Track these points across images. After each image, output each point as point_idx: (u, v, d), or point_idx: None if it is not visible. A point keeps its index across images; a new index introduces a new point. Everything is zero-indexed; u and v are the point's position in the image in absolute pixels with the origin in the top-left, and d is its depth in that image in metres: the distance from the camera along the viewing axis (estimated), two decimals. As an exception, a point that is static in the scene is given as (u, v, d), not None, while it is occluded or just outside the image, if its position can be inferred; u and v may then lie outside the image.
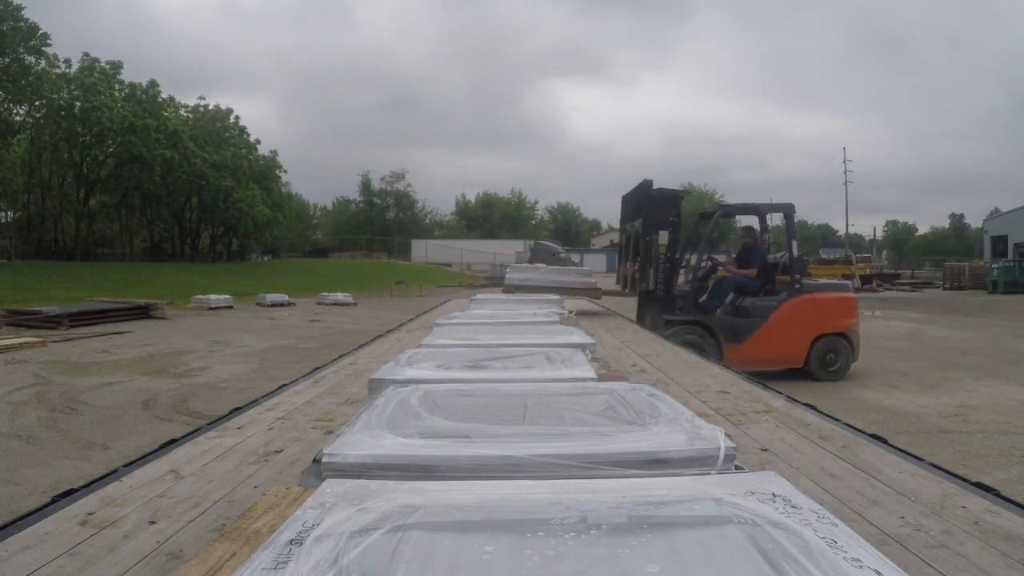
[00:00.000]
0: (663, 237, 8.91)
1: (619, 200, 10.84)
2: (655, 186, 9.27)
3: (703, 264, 9.38)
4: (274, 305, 21.22)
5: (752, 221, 9.47)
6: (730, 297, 8.93)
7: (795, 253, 8.67)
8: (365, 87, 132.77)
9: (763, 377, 4.74)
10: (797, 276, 8.64)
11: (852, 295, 9.20)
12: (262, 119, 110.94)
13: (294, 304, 21.84)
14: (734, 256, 9.79)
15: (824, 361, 8.74)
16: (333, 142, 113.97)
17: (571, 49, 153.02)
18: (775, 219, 9.84)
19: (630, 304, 10.24)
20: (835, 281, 10.37)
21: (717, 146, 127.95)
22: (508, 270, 7.84)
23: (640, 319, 9.21)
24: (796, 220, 9.02)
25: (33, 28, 26.20)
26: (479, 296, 8.36)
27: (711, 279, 9.24)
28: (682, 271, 9.52)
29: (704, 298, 8.97)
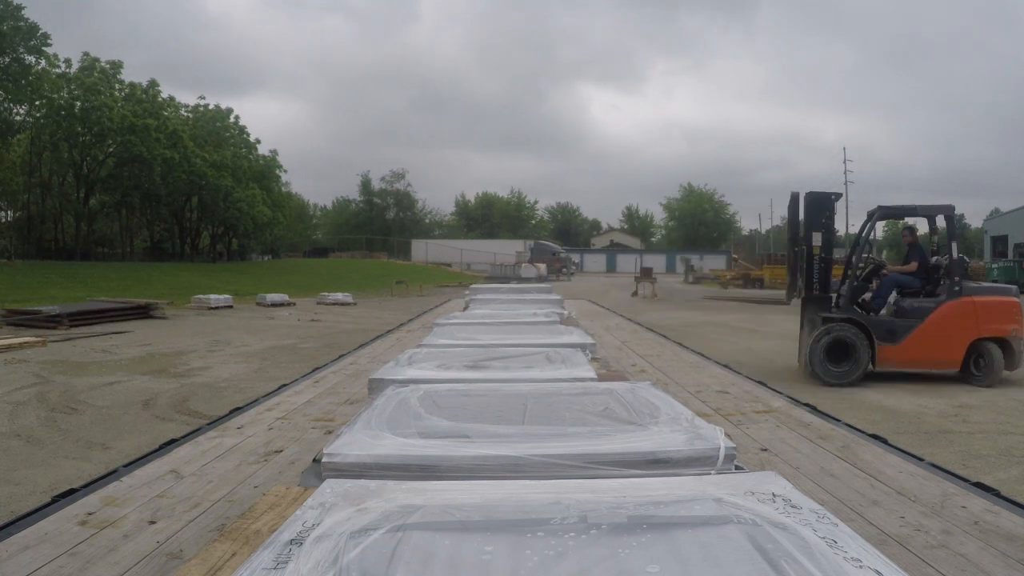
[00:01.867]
0: (817, 239, 8.88)
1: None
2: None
3: (862, 264, 9.27)
4: (274, 305, 21.21)
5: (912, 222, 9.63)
6: (892, 297, 8.88)
7: (955, 255, 8.50)
8: (389, 87, 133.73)
9: (764, 377, 4.75)
10: (956, 278, 8.46)
11: (1015, 299, 8.77)
12: (283, 117, 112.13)
13: (294, 304, 21.84)
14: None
15: (978, 366, 8.52)
16: (356, 141, 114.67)
17: (597, 54, 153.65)
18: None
19: (627, 305, 10.23)
20: (998, 284, 9.95)
21: (740, 149, 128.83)
22: (467, 291, 7.98)
23: (801, 319, 9.25)
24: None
25: (33, 28, 26.19)
26: (474, 285, 8.48)
27: (875, 280, 9.18)
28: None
29: (869, 298, 8.96)
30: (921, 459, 2.40)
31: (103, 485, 2.09)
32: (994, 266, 33.17)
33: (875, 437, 2.72)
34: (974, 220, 79.59)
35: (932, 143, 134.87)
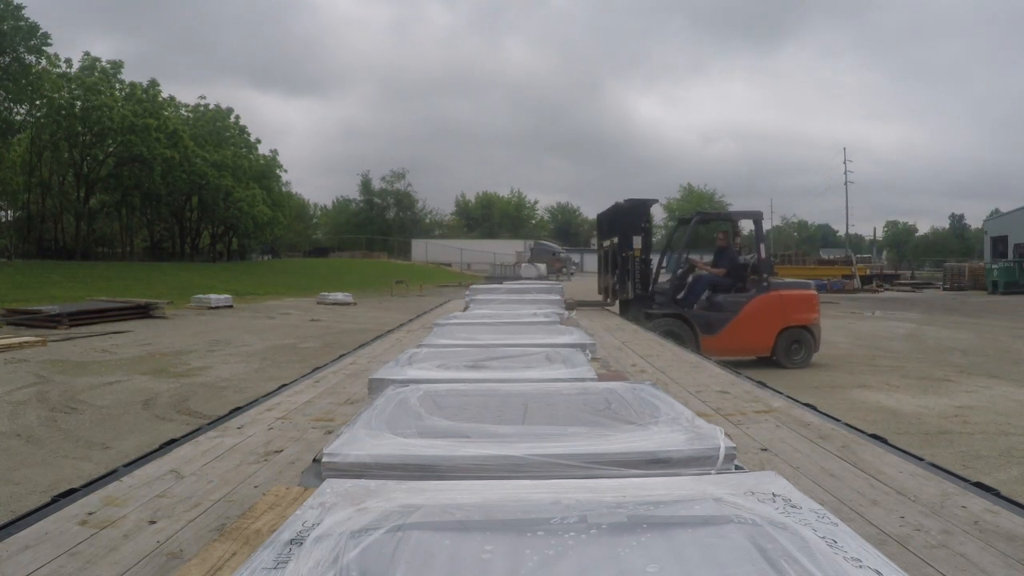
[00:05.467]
0: (636, 242, 9.85)
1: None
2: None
3: (682, 265, 10.35)
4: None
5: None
6: (705, 294, 9.91)
7: (763, 255, 9.72)
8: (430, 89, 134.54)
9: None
10: (764, 275, 9.63)
11: (814, 292, 10.15)
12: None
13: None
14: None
15: (789, 351, 9.71)
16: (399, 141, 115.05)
17: (636, 57, 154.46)
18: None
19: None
20: (799, 280, 11.28)
21: (753, 154, 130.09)
22: (467, 292, 8.58)
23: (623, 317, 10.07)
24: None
25: (33, 28, 26.20)
26: (474, 286, 8.69)
27: (689, 278, 10.20)
28: (662, 271, 10.54)
29: (682, 295, 9.95)
30: (921, 459, 2.40)
31: (103, 485, 2.09)
32: (994, 266, 33.17)
33: (875, 437, 2.72)
34: (974, 221, 79.83)
35: (940, 148, 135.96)
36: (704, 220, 11.21)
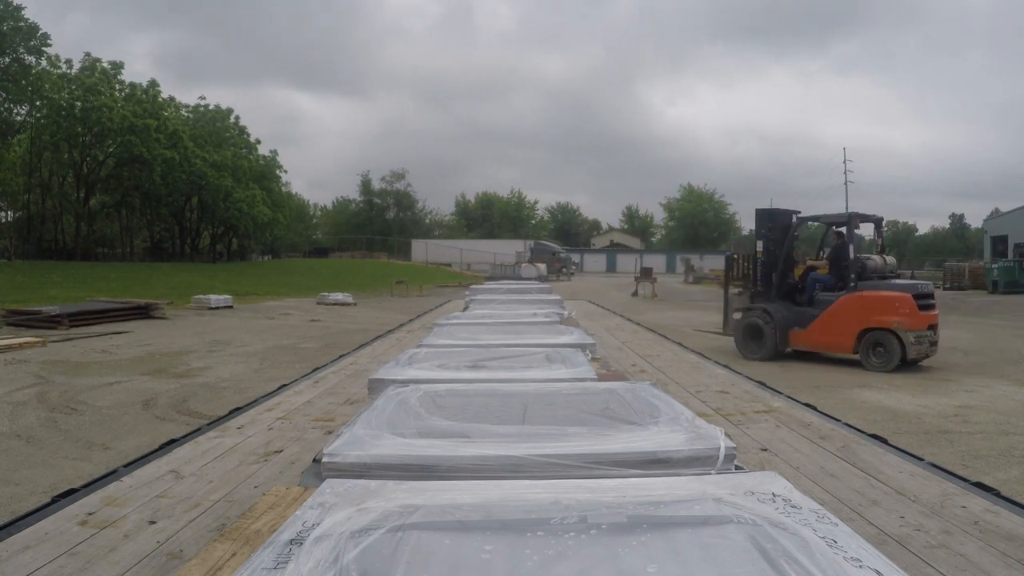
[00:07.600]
0: (759, 245, 10.92)
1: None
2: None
3: (801, 263, 11.26)
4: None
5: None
6: (814, 290, 10.50)
7: (851, 255, 9.96)
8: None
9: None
10: (852, 275, 9.87)
11: (906, 295, 9.57)
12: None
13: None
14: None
15: (871, 352, 9.68)
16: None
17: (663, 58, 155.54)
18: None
19: (627, 305, 10.31)
20: (901, 282, 10.51)
21: (779, 154, 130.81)
22: (467, 292, 8.77)
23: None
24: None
25: (33, 28, 26.20)
26: (474, 286, 8.76)
27: (791, 276, 10.95)
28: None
29: (798, 294, 10.66)
30: (921, 459, 2.40)
31: (103, 485, 2.09)
32: (994, 266, 33.15)
33: (875, 437, 2.72)
34: (974, 220, 79.97)
35: (941, 148, 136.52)
36: (825, 222, 11.17)
